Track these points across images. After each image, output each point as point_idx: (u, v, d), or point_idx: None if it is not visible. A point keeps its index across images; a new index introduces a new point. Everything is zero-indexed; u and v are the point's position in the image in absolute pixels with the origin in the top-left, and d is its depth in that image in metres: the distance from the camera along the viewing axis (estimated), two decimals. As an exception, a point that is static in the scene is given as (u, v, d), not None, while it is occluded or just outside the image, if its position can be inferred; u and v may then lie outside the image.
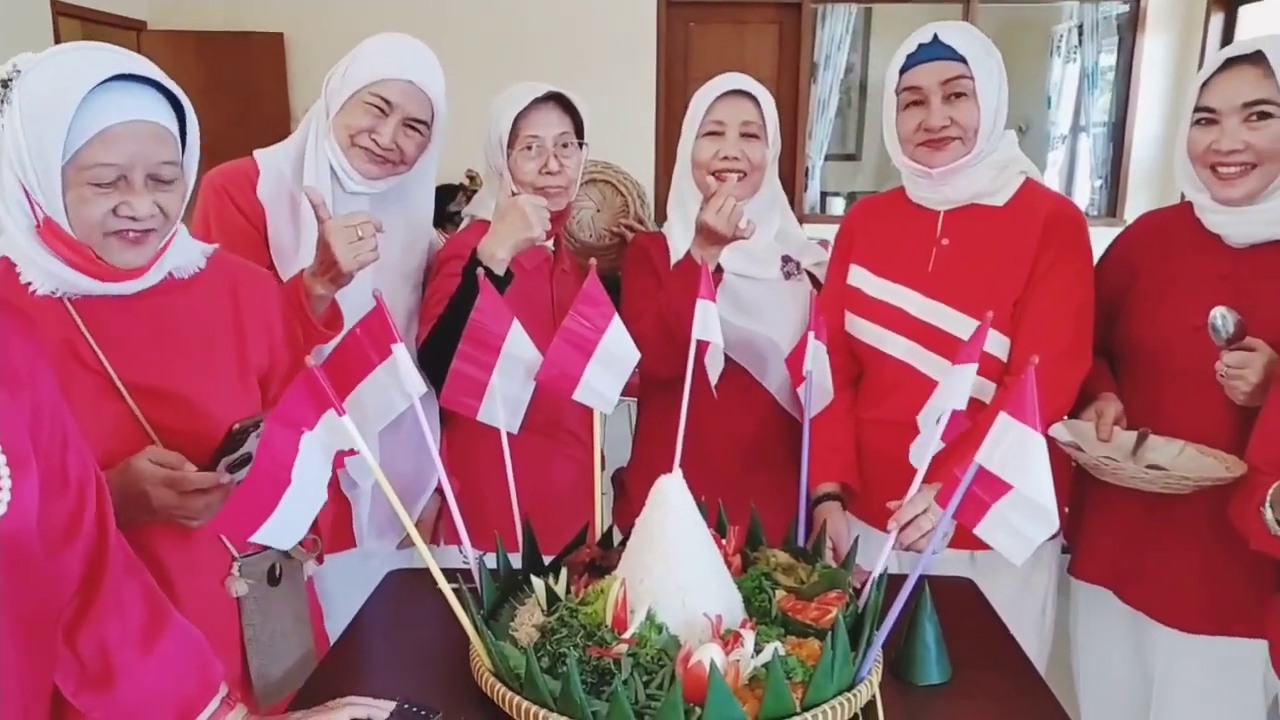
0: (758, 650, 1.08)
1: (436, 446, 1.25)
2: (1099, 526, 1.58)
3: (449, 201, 4.17)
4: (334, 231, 1.37)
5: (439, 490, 1.69)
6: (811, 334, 1.48)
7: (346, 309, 1.45)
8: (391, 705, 1.08)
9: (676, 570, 1.15)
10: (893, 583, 1.20)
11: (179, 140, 1.12)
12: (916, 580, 1.13)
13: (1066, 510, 1.62)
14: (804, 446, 1.46)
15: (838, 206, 6.64)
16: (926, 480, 1.25)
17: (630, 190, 2.16)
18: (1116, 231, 1.68)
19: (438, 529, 1.72)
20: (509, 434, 1.34)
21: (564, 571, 1.30)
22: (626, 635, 1.10)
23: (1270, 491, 1.20)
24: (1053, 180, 6.96)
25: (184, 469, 1.07)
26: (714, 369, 1.50)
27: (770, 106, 1.73)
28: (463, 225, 1.82)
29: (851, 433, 1.65)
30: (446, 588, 1.13)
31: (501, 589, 1.31)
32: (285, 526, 0.98)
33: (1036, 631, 1.60)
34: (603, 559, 1.33)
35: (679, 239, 1.73)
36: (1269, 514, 1.19)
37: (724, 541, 1.30)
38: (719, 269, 1.64)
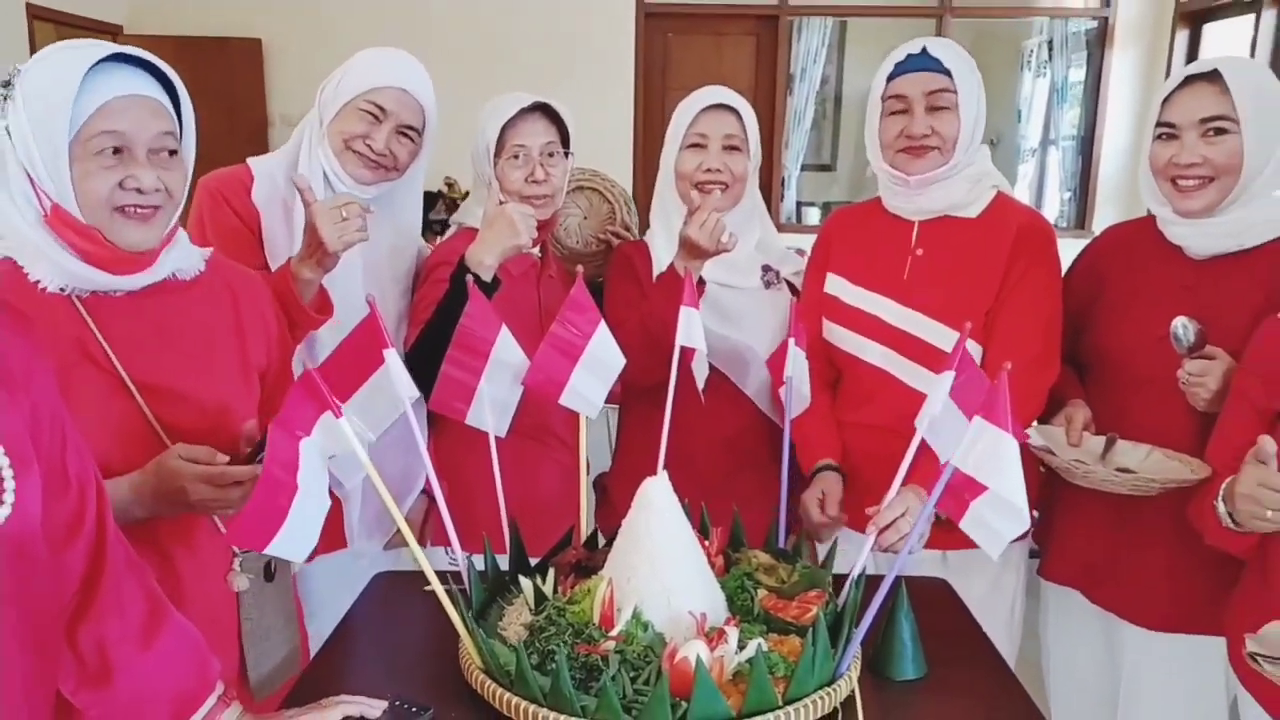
0: (741, 647, 1.12)
1: (422, 449, 1.26)
2: (1068, 529, 1.63)
3: (429, 209, 4.18)
4: (320, 213, 1.41)
5: (425, 492, 1.72)
6: (792, 341, 1.52)
7: (342, 316, 1.48)
8: (383, 704, 1.10)
9: (662, 570, 1.18)
10: (870, 583, 1.24)
11: (175, 119, 1.15)
12: (893, 580, 1.17)
13: (1036, 514, 1.67)
14: (784, 450, 1.50)
15: (813, 216, 6.71)
16: (904, 484, 1.30)
17: (617, 198, 2.19)
18: (1085, 243, 1.74)
19: (424, 531, 1.74)
20: (494, 439, 1.37)
21: (551, 572, 1.33)
22: (614, 633, 1.13)
23: (1223, 486, 1.25)
24: (1023, 192, 7.08)
25: (215, 461, 1.09)
26: (700, 375, 1.54)
27: (751, 120, 1.78)
28: (450, 232, 1.84)
29: (834, 426, 1.70)
30: (438, 586, 1.16)
31: (489, 590, 1.33)
32: (298, 536, 1.01)
33: (1006, 629, 1.65)
34: (589, 560, 1.36)
35: (662, 249, 1.77)
36: (1221, 507, 1.25)
37: (707, 543, 1.34)
38: (701, 280, 1.67)
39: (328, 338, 1.50)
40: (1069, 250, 1.67)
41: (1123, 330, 1.54)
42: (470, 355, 1.36)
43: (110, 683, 0.97)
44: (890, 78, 1.65)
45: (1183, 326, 1.36)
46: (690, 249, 1.58)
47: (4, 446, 0.86)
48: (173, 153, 1.14)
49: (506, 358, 1.36)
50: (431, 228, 3.68)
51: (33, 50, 4.85)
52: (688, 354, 1.48)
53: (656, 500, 1.21)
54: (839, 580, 1.30)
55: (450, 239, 1.80)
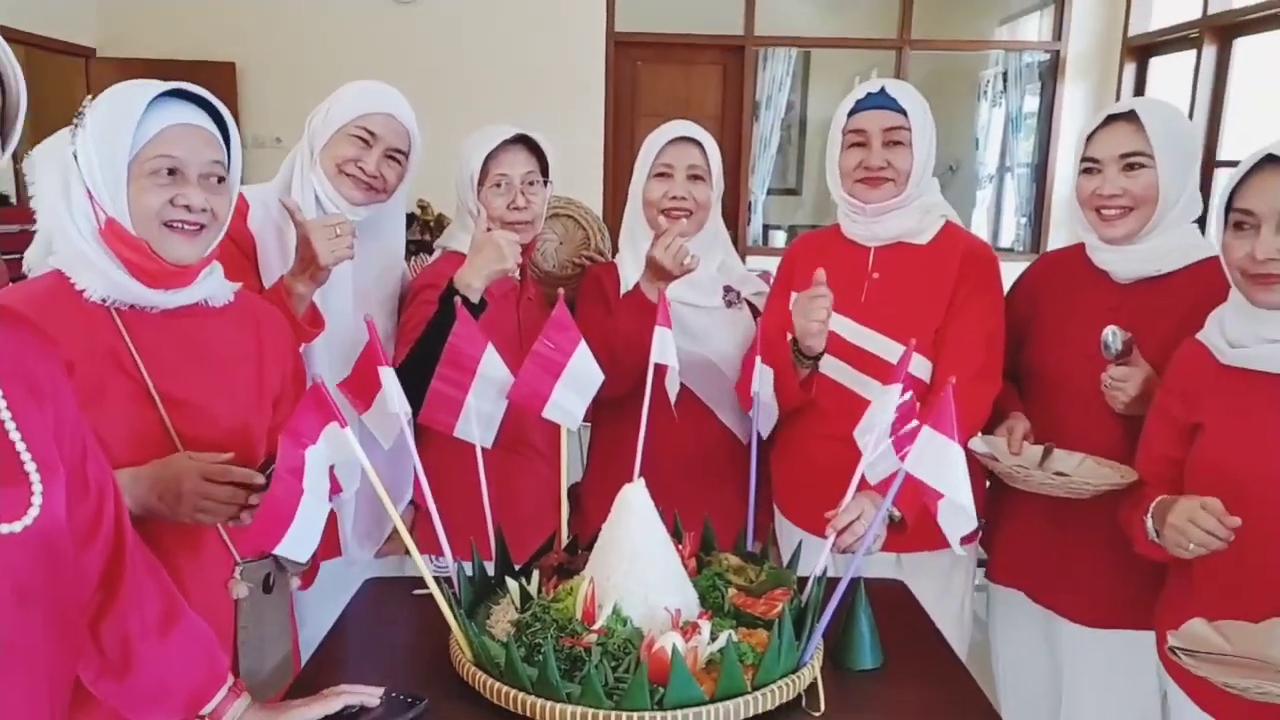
0: (713, 639, 1.21)
1: (416, 461, 1.35)
2: (1010, 534, 1.75)
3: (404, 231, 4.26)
4: (314, 229, 1.51)
5: (411, 503, 1.80)
6: (759, 359, 1.64)
7: (329, 334, 1.57)
8: (379, 692, 1.18)
9: (640, 569, 1.28)
10: (831, 583, 1.34)
11: (225, 151, 1.26)
12: (852, 578, 1.28)
13: (983, 520, 1.79)
14: (752, 460, 1.61)
15: (779, 239, 6.87)
16: (859, 490, 1.41)
17: (591, 224, 2.30)
18: (1039, 266, 1.87)
19: (412, 538, 1.81)
20: (480, 450, 1.47)
21: (535, 574, 1.42)
22: (595, 627, 1.23)
23: (1152, 505, 1.37)
24: (981, 217, 7.30)
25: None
26: (672, 390, 1.65)
27: (714, 151, 1.90)
28: (435, 256, 1.94)
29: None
30: (433, 584, 1.24)
31: (477, 592, 1.42)
32: (302, 537, 1.10)
33: (957, 626, 1.76)
34: (569, 563, 1.45)
35: (629, 270, 1.87)
36: (1149, 523, 1.37)
37: (681, 546, 1.44)
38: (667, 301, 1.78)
39: (323, 354, 1.59)
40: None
41: (1056, 348, 1.67)
42: (458, 372, 1.45)
43: (130, 673, 1.05)
44: (851, 113, 1.78)
45: (1112, 334, 1.50)
46: (656, 270, 1.70)
47: (33, 453, 0.94)
48: (220, 180, 1.25)
49: (492, 374, 1.46)
50: (408, 249, 3.76)
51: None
52: (660, 371, 1.59)
53: (634, 504, 1.31)
54: (803, 581, 1.40)
55: (436, 262, 1.89)
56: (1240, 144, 4.75)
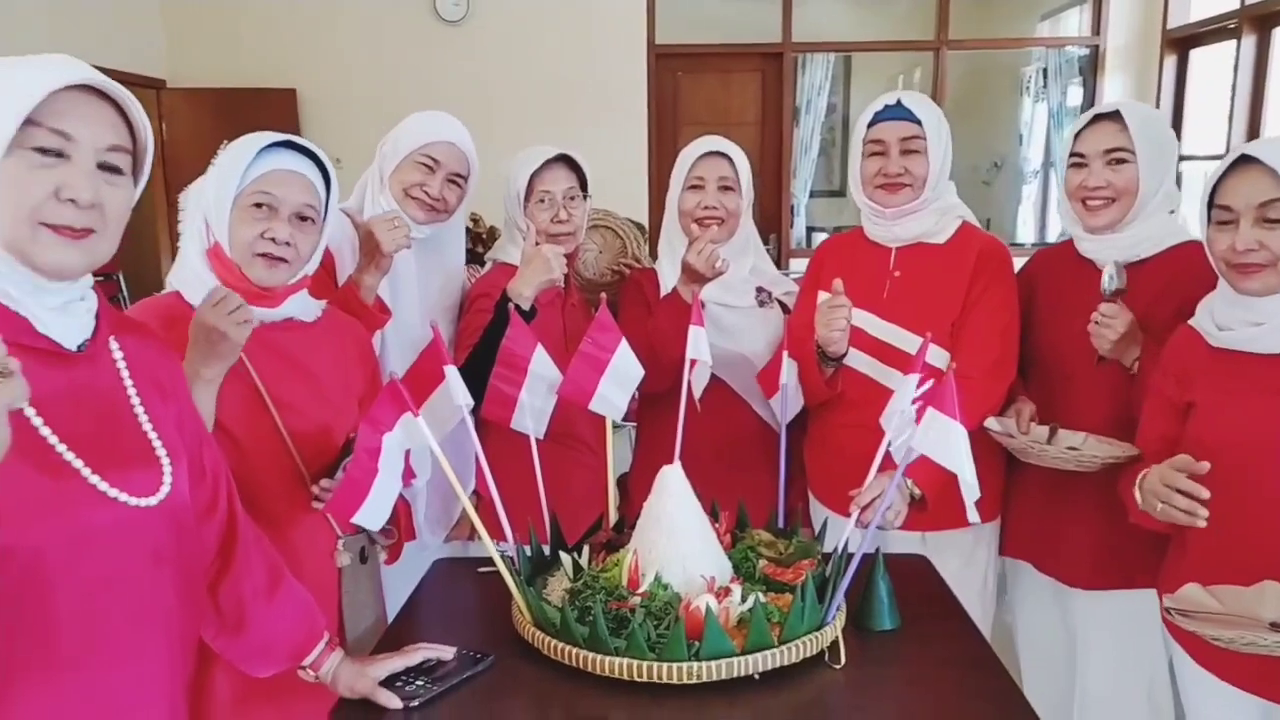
0: (744, 600, 1.36)
1: (479, 455, 1.51)
2: (1016, 511, 1.88)
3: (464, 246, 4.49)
4: (375, 223, 1.74)
5: (474, 492, 1.97)
6: (785, 352, 1.78)
7: (400, 339, 1.76)
8: (453, 650, 1.35)
9: (678, 541, 1.43)
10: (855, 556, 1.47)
11: (323, 197, 1.46)
12: (873, 545, 1.42)
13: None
14: (781, 447, 1.75)
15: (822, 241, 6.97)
16: (881, 472, 1.54)
17: (628, 234, 2.46)
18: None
19: (473, 525, 1.99)
20: (534, 440, 1.63)
21: (586, 550, 1.58)
22: (639, 592, 1.38)
23: (1139, 477, 1.49)
24: (1027, 211, 7.32)
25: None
26: (699, 384, 1.80)
27: (743, 163, 2.04)
28: (488, 268, 2.12)
29: None
30: (498, 559, 1.41)
31: (533, 567, 1.58)
32: (376, 509, 1.28)
33: (979, 599, 1.88)
34: (616, 540, 1.61)
35: (667, 274, 2.03)
36: (1137, 494, 1.48)
37: (717, 524, 1.59)
38: (702, 302, 1.93)
39: (396, 358, 1.78)
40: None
41: (1051, 335, 1.80)
42: (513, 370, 1.62)
43: (244, 631, 1.23)
44: (870, 124, 1.92)
45: (1111, 274, 1.63)
46: (690, 273, 1.85)
47: (162, 441, 1.12)
48: (312, 221, 1.44)
49: (542, 371, 1.63)
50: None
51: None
52: (692, 367, 1.74)
53: (673, 484, 1.46)
54: (829, 557, 1.54)
55: (488, 274, 2.07)
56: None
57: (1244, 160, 1.40)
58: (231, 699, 1.34)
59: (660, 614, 1.34)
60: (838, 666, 1.34)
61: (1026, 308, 1.87)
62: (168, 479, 1.10)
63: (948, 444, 1.32)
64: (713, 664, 1.26)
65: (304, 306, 1.51)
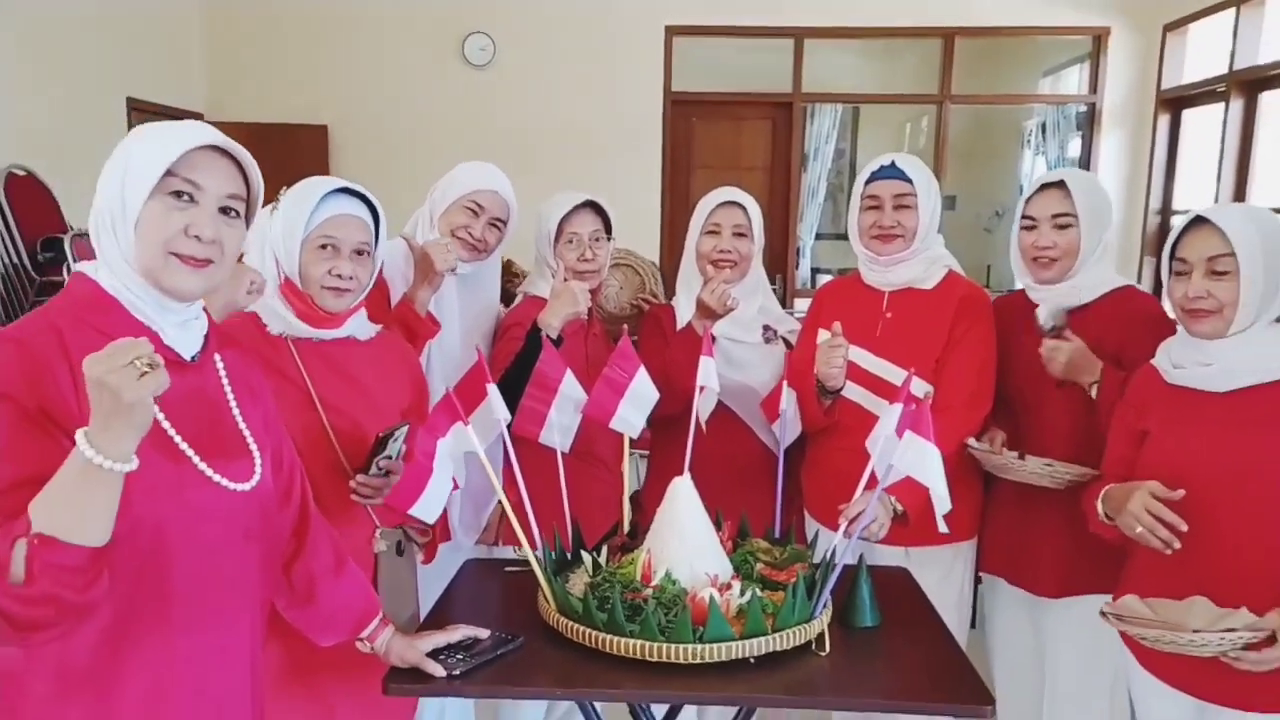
0: (742, 594, 1.56)
1: (513, 465, 1.71)
2: (991, 530, 2.08)
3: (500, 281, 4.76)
4: (431, 245, 1.99)
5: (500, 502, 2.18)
6: (785, 383, 1.99)
7: (443, 360, 1.98)
8: (488, 631, 1.55)
9: (687, 543, 1.64)
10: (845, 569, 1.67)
11: (373, 232, 1.69)
12: (856, 553, 1.61)
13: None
14: (779, 468, 1.95)
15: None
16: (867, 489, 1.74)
17: (646, 272, 2.69)
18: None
19: (498, 531, 2.20)
20: (560, 455, 1.84)
21: (604, 551, 1.78)
22: (652, 585, 1.58)
23: (1103, 492, 1.69)
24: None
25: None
26: (705, 409, 2.01)
27: (756, 212, 2.27)
28: (518, 300, 2.34)
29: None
30: (530, 554, 1.61)
31: (556, 565, 1.78)
32: (430, 504, 1.49)
33: (955, 610, 2.06)
34: (631, 544, 1.81)
35: (684, 310, 2.25)
36: (1100, 507, 1.68)
37: (720, 533, 1.78)
38: (713, 336, 2.15)
39: (439, 377, 2.00)
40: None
41: (1011, 374, 2.03)
42: (543, 391, 1.84)
43: (313, 604, 1.44)
44: (867, 181, 2.14)
45: (1044, 315, 1.90)
46: (703, 309, 2.07)
47: (254, 437, 1.33)
48: (367, 254, 1.67)
49: (570, 393, 1.84)
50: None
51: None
52: (701, 393, 1.94)
53: (682, 493, 1.67)
54: (819, 565, 1.73)
55: (520, 305, 2.29)
56: (1266, 191, 4.98)
57: (1198, 221, 1.61)
58: (285, 668, 1.54)
59: (669, 604, 1.54)
60: (823, 654, 1.54)
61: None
62: (258, 469, 1.31)
63: (924, 462, 1.53)
64: (714, 646, 1.46)
65: (361, 326, 1.73)
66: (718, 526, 1.80)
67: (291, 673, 1.57)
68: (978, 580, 2.25)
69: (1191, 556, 1.59)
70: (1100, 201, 1.98)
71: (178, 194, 1.20)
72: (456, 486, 1.70)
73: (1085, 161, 6.28)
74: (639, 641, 1.47)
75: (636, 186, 6.13)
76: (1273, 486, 1.54)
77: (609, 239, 2.29)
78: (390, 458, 1.59)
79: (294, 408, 1.59)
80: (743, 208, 2.24)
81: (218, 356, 1.31)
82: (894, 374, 2.06)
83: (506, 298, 2.40)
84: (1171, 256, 1.66)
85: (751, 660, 1.48)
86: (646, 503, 2.28)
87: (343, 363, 1.69)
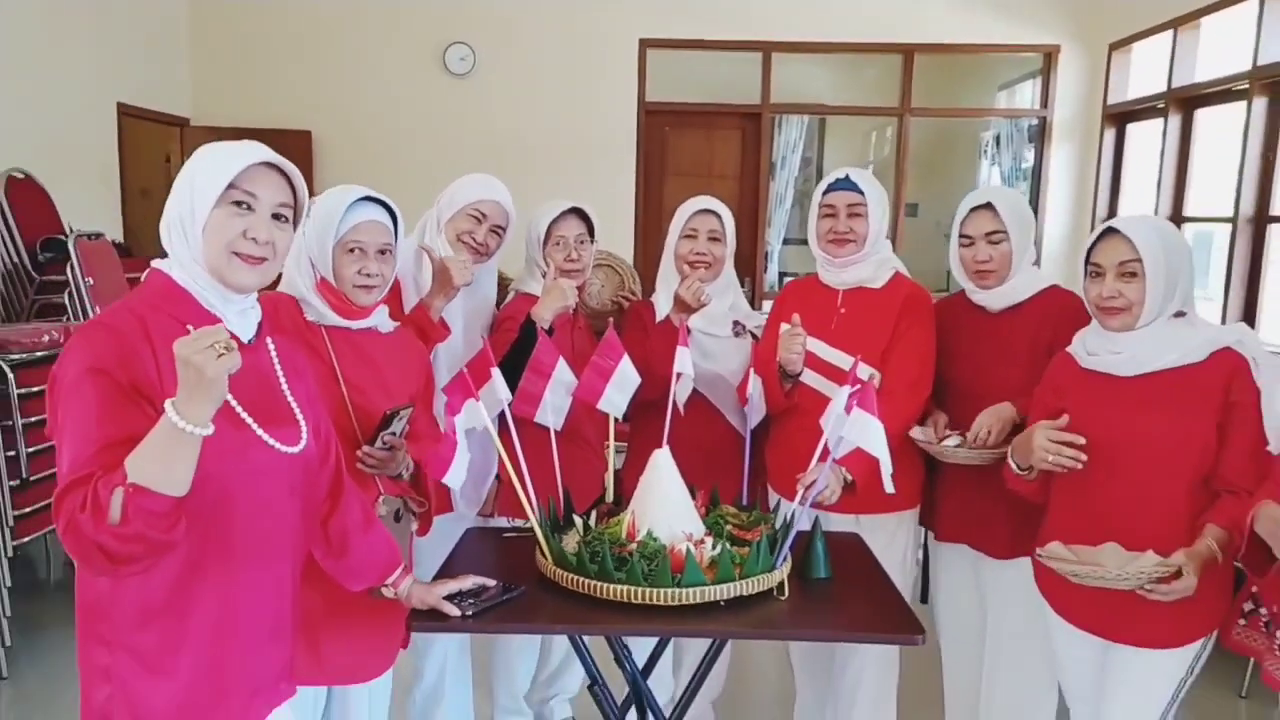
0: (714, 548, 1.81)
1: (514, 442, 1.95)
2: (945, 506, 2.35)
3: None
4: (450, 261, 2.21)
5: (496, 477, 2.42)
6: (752, 371, 2.25)
7: (447, 349, 2.22)
8: (495, 581, 1.79)
9: (666, 506, 1.88)
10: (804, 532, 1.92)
11: (394, 234, 1.92)
12: (812, 517, 1.87)
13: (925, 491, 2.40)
14: (746, 448, 2.21)
15: (795, 286, 7.47)
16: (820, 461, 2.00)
17: (625, 272, 2.95)
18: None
19: (494, 504, 2.44)
20: (553, 434, 2.08)
21: (593, 515, 2.03)
22: (636, 540, 1.83)
23: (1010, 445, 1.98)
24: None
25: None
26: (682, 395, 2.26)
27: (729, 219, 2.53)
28: (510, 297, 2.58)
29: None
30: (532, 515, 1.85)
31: (550, 529, 2.02)
32: (457, 471, 1.75)
33: (900, 569, 2.33)
34: (615, 510, 2.06)
35: (663, 305, 2.50)
36: (1011, 462, 1.96)
37: (695, 501, 2.03)
38: (689, 329, 2.40)
39: (444, 364, 2.24)
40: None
41: (953, 363, 2.30)
42: (539, 375, 2.08)
43: (346, 555, 1.66)
44: (825, 192, 2.41)
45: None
46: (680, 305, 2.33)
47: (300, 408, 1.55)
48: (389, 253, 1.91)
49: (562, 377, 2.08)
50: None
51: (121, 139, 5.66)
52: (678, 379, 2.20)
53: (662, 463, 1.92)
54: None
55: (513, 301, 2.53)
56: (1202, 200, 5.33)
57: (1110, 231, 1.89)
58: (321, 609, 1.77)
59: (651, 556, 1.78)
60: (782, 598, 1.79)
61: (937, 347, 2.36)
62: (304, 435, 1.53)
63: (868, 433, 1.79)
64: (690, 590, 1.71)
65: (382, 320, 1.97)
66: (692, 496, 2.05)
67: (328, 612, 1.80)
68: (926, 555, 2.53)
69: (1102, 510, 1.87)
70: (1025, 216, 2.26)
71: (238, 203, 1.42)
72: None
73: (1036, 172, 6.63)
74: (626, 587, 1.72)
75: (612, 192, 6.39)
76: (1168, 453, 1.82)
77: (592, 241, 2.53)
78: (394, 434, 1.83)
79: (320, 383, 1.82)
80: (717, 215, 2.50)
81: (269, 340, 1.53)
82: (847, 362, 2.31)
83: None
84: (1087, 261, 1.93)
85: (722, 603, 1.73)
86: (626, 479, 2.52)
87: (366, 349, 1.92)
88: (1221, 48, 5.20)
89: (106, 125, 5.60)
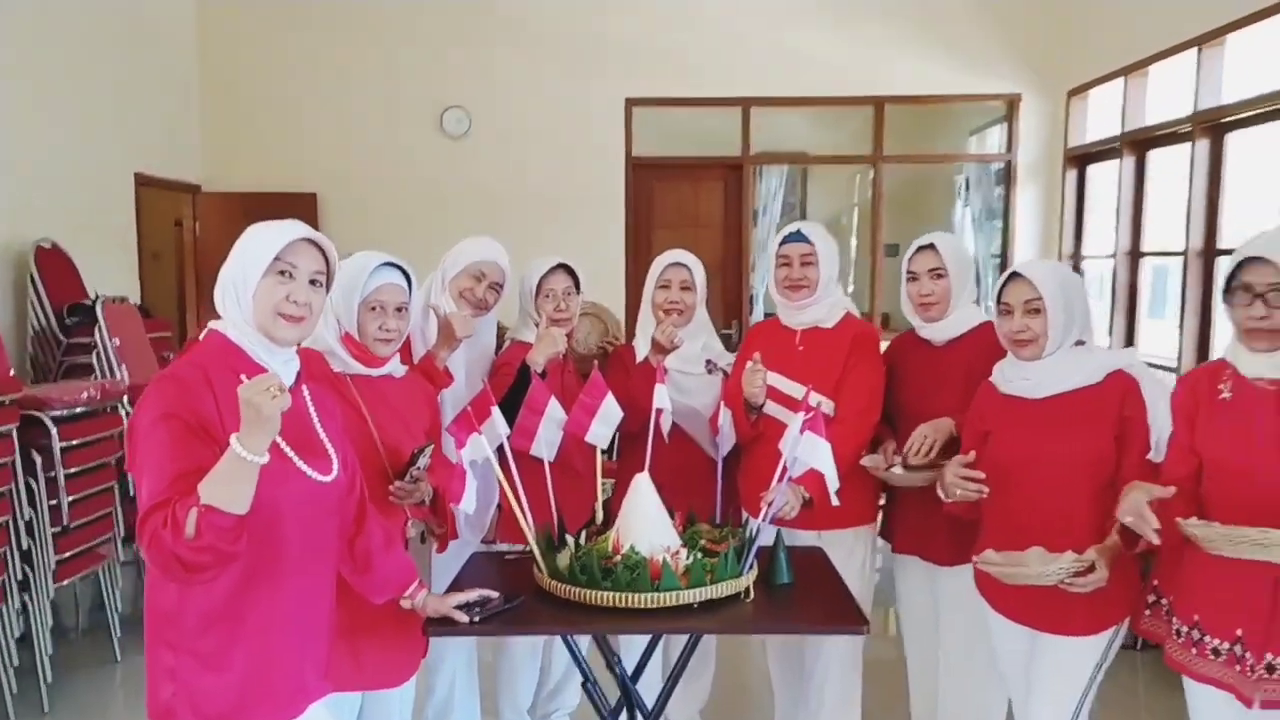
0: (689, 559, 2.09)
1: (513, 473, 2.23)
2: (900, 520, 2.63)
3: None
4: (453, 317, 2.51)
5: (498, 506, 2.70)
6: (723, 404, 2.55)
7: (451, 393, 2.52)
8: (497, 593, 2.06)
9: (646, 524, 2.16)
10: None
11: (409, 293, 2.22)
12: (775, 530, 2.15)
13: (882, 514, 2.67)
14: (718, 473, 2.49)
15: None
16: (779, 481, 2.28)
17: (609, 320, 3.27)
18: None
19: (496, 530, 2.71)
20: (546, 465, 2.37)
21: (583, 536, 2.31)
22: (619, 555, 2.10)
23: (939, 476, 2.27)
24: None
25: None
26: (665, 425, 2.55)
27: (699, 270, 2.84)
28: (506, 345, 2.88)
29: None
30: (530, 537, 2.13)
31: (545, 549, 2.30)
32: (470, 498, 2.02)
33: (859, 579, 2.59)
34: (603, 531, 2.34)
35: (642, 348, 2.81)
36: (939, 489, 2.25)
37: (674, 522, 2.31)
38: (665, 368, 2.70)
39: (450, 406, 2.53)
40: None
41: (902, 391, 2.60)
42: (533, 413, 2.37)
43: (370, 572, 1.93)
44: (780, 244, 2.72)
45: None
46: (656, 347, 2.63)
47: (331, 444, 1.83)
48: (405, 310, 2.21)
49: (554, 414, 2.38)
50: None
51: (139, 206, 5.99)
52: (659, 414, 2.49)
53: (643, 485, 2.20)
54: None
55: (509, 349, 2.83)
56: (1159, 234, 5.66)
57: (1015, 275, 2.19)
58: (360, 622, 2.03)
59: (634, 567, 2.06)
60: (749, 601, 2.07)
61: (891, 376, 2.66)
62: (335, 467, 1.80)
63: (817, 453, 2.08)
64: (667, 595, 1.98)
65: (396, 367, 2.27)
66: (670, 516, 2.33)
67: (351, 626, 2.06)
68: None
69: (1024, 519, 2.14)
70: (964, 256, 2.58)
71: (281, 272, 1.72)
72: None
73: (1005, 213, 6.97)
74: (611, 593, 1.99)
75: (602, 243, 6.71)
76: (1075, 465, 2.10)
77: (578, 293, 2.84)
78: (419, 469, 2.11)
79: (351, 424, 2.11)
80: (688, 267, 2.82)
81: (305, 387, 1.82)
82: (802, 393, 2.62)
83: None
84: (999, 301, 2.24)
85: (695, 605, 2.01)
86: (615, 505, 2.80)
87: (385, 393, 2.22)
88: (1167, 94, 5.56)
89: (125, 194, 5.92)
